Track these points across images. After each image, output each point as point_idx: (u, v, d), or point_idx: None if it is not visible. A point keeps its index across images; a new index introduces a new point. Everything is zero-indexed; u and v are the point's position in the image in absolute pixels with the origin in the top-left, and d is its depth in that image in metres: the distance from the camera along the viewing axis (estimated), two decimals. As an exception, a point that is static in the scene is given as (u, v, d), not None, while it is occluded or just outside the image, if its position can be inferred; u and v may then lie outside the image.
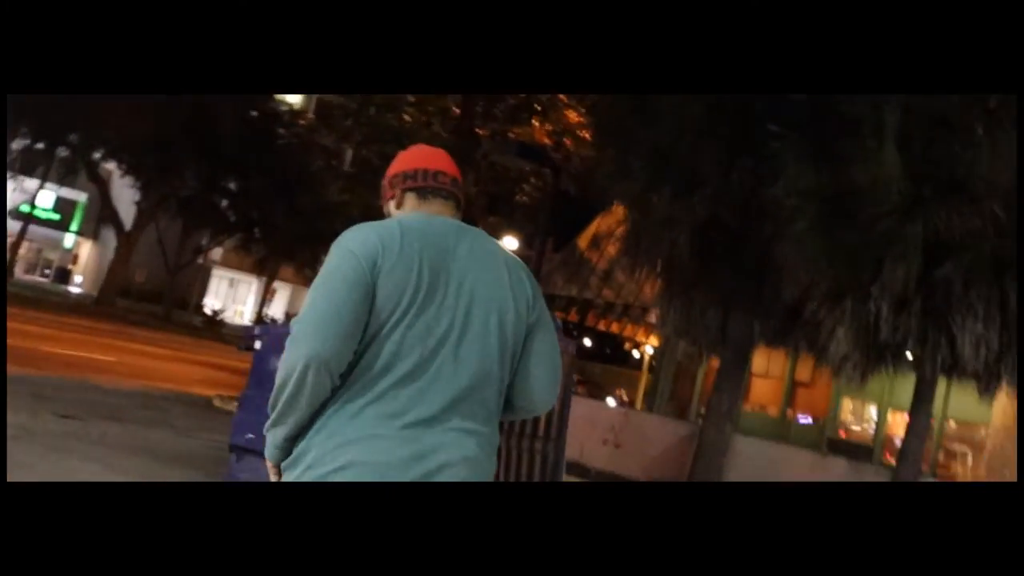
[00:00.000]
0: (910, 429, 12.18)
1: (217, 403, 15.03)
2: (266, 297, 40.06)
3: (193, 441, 11.16)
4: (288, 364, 2.25)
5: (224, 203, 36.54)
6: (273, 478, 2.40)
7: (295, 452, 2.32)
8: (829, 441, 15.99)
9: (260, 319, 37.03)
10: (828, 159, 11.25)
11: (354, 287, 2.26)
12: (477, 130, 20.23)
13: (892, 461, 15.62)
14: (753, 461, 14.34)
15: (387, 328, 2.28)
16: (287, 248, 35.52)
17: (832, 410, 16.29)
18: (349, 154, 37.26)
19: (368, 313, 2.27)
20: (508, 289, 2.39)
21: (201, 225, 36.39)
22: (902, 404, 15.59)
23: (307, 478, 2.26)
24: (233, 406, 14.67)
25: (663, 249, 12.74)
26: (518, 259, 2.50)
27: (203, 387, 17.37)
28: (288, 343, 2.28)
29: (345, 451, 2.21)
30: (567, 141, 15.51)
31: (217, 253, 44.48)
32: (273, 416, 2.33)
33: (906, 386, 13.02)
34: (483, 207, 16.83)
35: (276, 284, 41.67)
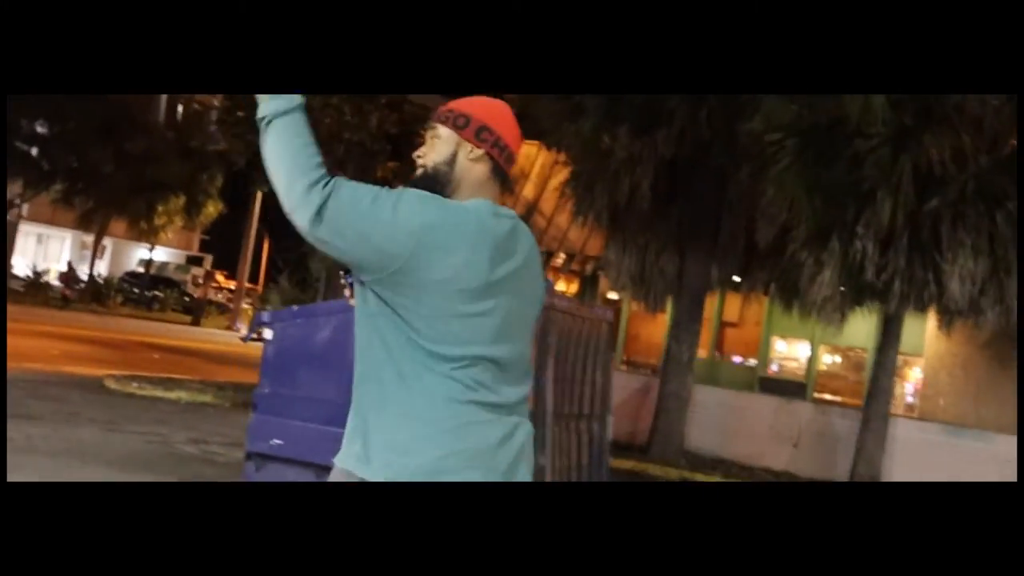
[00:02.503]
0: (878, 366, 11.99)
1: (112, 385, 13.30)
2: (95, 254, 36.72)
3: (129, 437, 9.62)
4: (288, 189, 2.20)
5: (34, 151, 32.94)
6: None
7: (377, 439, 2.21)
8: (761, 380, 15.78)
9: (70, 275, 33.57)
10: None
11: (370, 207, 2.15)
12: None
13: (824, 396, 15.65)
14: (705, 408, 13.89)
15: (459, 312, 2.18)
16: (118, 200, 32.50)
17: (763, 349, 16.07)
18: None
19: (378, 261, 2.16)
20: (539, 284, 2.41)
21: (10, 176, 32.77)
22: (832, 340, 15.57)
23: (401, 471, 2.17)
24: (132, 387, 13.08)
25: (622, 192, 11.92)
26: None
27: (76, 365, 15.48)
28: (309, 188, 2.16)
29: (442, 439, 2.16)
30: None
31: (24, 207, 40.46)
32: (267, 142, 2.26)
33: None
34: (386, 152, 15.39)
35: (104, 241, 38.34)
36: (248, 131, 14.66)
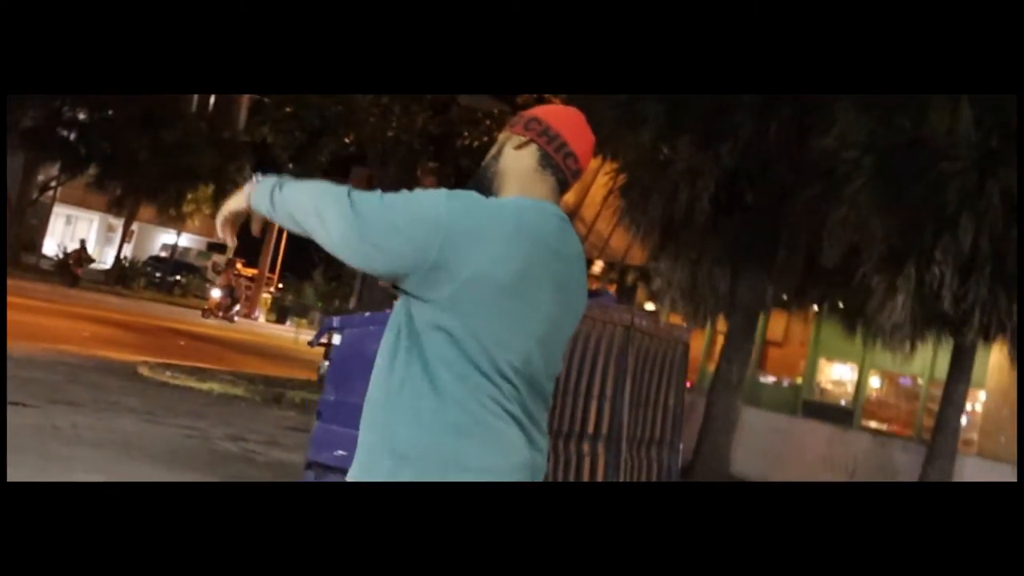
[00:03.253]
0: (947, 399, 11.51)
1: (146, 372, 12.99)
2: (124, 238, 36.50)
3: (168, 430, 9.29)
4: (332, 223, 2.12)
5: (72, 135, 32.92)
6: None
7: (392, 446, 2.12)
8: (804, 403, 15.33)
9: (81, 253, 33.02)
10: (879, 107, 10.24)
11: (415, 226, 2.07)
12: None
13: (872, 424, 15.19)
14: (751, 431, 13.46)
15: (497, 309, 2.08)
16: (150, 186, 32.36)
17: (808, 371, 15.61)
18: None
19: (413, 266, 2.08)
20: (583, 294, 2.30)
21: (48, 159, 32.66)
22: (884, 365, 15.11)
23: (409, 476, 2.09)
24: (165, 376, 12.77)
25: (680, 204, 11.51)
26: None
27: (108, 349, 15.22)
28: (345, 206, 2.08)
29: (464, 449, 2.07)
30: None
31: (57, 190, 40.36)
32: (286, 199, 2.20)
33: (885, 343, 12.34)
34: (429, 152, 15.05)
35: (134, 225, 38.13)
36: (296, 127, 14.36)
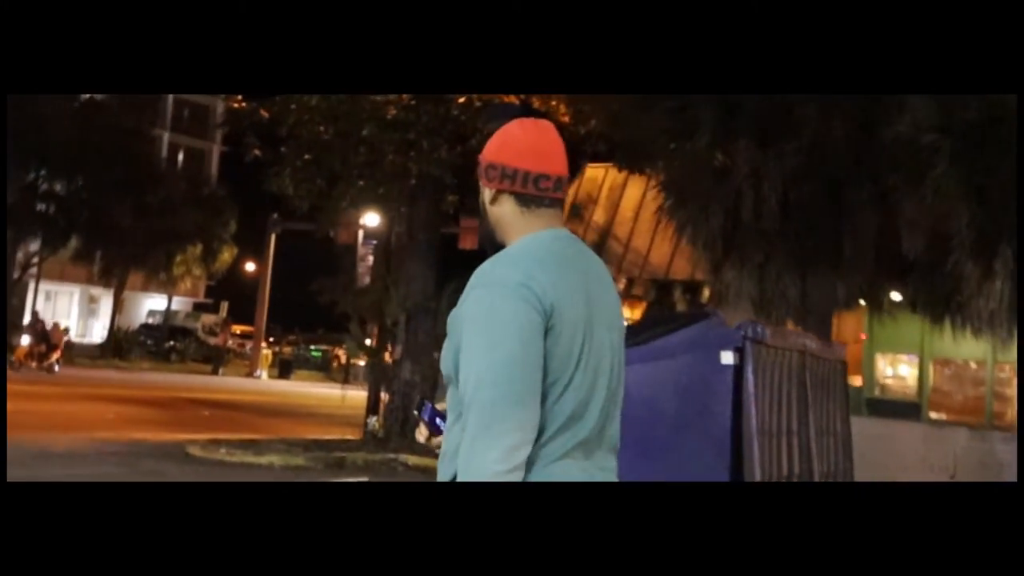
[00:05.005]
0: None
1: (197, 452, 12.31)
2: (117, 309, 35.60)
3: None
4: (504, 451, 1.97)
5: (51, 208, 32.10)
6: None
7: None
8: (868, 401, 14.86)
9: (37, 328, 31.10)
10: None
11: (535, 343, 2.02)
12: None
13: (943, 415, 14.75)
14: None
15: (564, 379, 2.06)
16: (138, 252, 31.56)
17: (867, 369, 15.15)
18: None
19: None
20: (620, 318, 2.26)
21: (29, 235, 31.80)
22: (945, 352, 14.70)
23: None
24: (220, 454, 12.11)
25: (746, 209, 11.02)
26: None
27: (142, 430, 14.55)
28: (487, 425, 1.95)
29: None
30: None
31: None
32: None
33: (946, 334, 11.94)
34: (453, 185, 14.46)
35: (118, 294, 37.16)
36: (318, 173, 13.77)
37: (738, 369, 5.22)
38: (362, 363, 34.18)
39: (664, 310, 15.25)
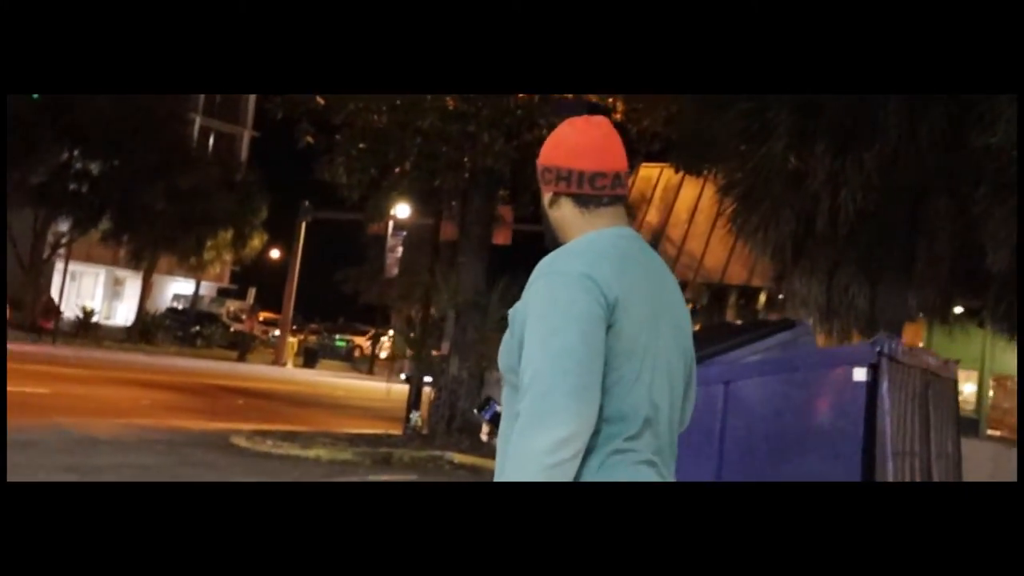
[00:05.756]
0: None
1: (243, 443, 12.05)
2: (146, 292, 35.41)
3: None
4: (553, 443, 1.91)
5: (84, 188, 31.94)
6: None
7: None
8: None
9: (49, 305, 31.13)
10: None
11: (596, 335, 1.98)
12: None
13: (1002, 432, 14.36)
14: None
15: (627, 375, 2.03)
16: (169, 235, 31.36)
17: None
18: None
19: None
20: (688, 320, 2.22)
21: (59, 215, 31.63)
22: (1006, 368, 14.30)
23: None
24: (266, 445, 11.85)
25: (822, 216, 10.69)
26: None
27: (179, 417, 14.32)
28: (540, 416, 1.90)
29: None
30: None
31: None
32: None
33: (1008, 350, 11.56)
34: (506, 179, 14.13)
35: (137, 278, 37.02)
36: (372, 162, 13.47)
37: (870, 386, 4.91)
38: (382, 355, 33.84)
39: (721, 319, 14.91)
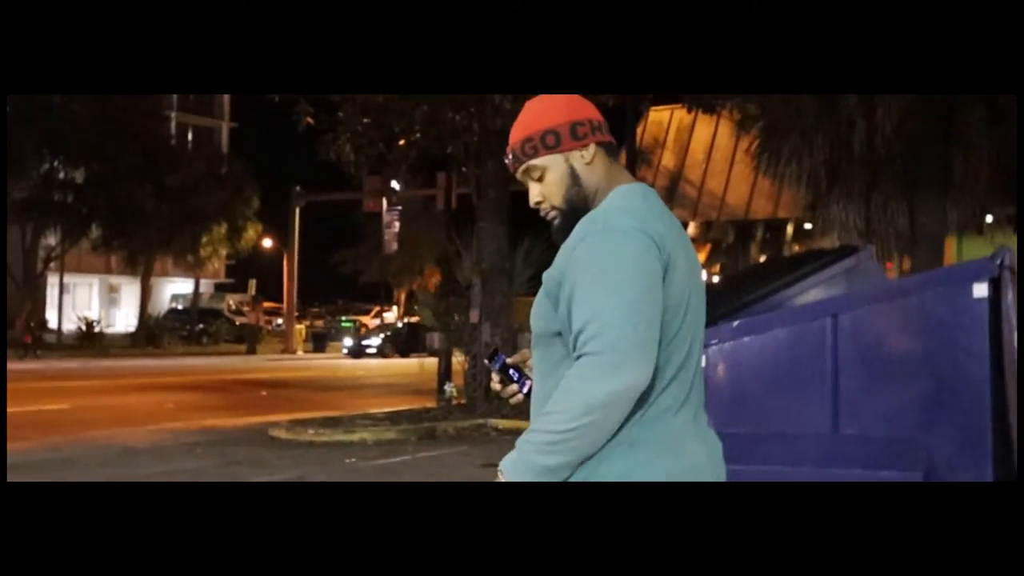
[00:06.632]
0: None
1: (283, 434, 11.75)
2: (146, 296, 34.98)
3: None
4: (608, 393, 1.90)
5: (70, 198, 31.40)
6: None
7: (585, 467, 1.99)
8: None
9: (30, 318, 30.23)
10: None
11: (658, 290, 1.98)
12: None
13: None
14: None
15: (672, 330, 2.02)
16: (163, 236, 30.86)
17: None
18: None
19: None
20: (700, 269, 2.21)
21: (48, 228, 31.11)
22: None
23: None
24: (308, 434, 11.56)
25: (858, 139, 10.38)
26: None
27: (209, 417, 14.06)
28: (602, 364, 1.89)
29: (659, 462, 2.00)
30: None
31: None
32: (557, 443, 1.93)
33: None
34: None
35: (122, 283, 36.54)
36: (378, 137, 13.06)
37: (993, 302, 4.59)
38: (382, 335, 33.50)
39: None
